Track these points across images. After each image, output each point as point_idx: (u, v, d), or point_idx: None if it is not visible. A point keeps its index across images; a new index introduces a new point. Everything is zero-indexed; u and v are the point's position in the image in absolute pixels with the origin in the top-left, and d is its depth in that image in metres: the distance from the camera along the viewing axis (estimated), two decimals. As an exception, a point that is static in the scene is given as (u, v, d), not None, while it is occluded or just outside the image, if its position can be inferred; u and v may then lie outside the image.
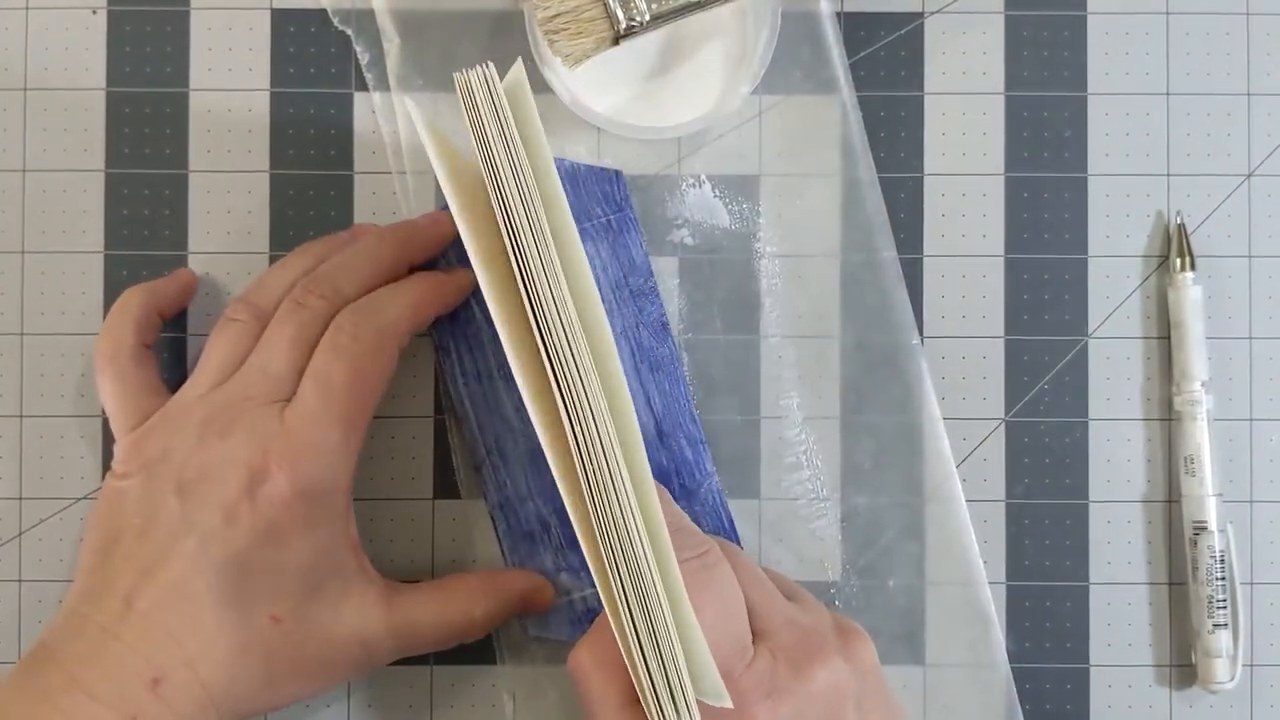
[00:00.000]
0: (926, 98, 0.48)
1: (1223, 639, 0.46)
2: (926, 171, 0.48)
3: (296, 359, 0.42)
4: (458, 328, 0.47)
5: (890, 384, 0.47)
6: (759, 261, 0.48)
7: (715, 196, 0.48)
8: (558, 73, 0.45)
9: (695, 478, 0.47)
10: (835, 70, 0.48)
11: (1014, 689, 0.47)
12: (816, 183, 0.48)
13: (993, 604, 0.47)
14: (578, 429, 0.35)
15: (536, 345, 0.36)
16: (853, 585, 0.47)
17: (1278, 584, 0.48)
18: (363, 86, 0.48)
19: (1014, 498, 0.48)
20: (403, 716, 0.47)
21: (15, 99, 0.47)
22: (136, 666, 0.39)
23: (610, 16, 0.43)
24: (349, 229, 0.47)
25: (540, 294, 0.36)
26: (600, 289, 0.45)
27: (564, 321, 0.36)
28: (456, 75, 0.37)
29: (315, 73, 0.48)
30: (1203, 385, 0.47)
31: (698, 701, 0.35)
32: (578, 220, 0.43)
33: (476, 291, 0.46)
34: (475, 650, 0.47)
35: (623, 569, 0.35)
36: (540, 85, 0.46)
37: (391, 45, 0.47)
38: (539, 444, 0.46)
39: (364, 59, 0.47)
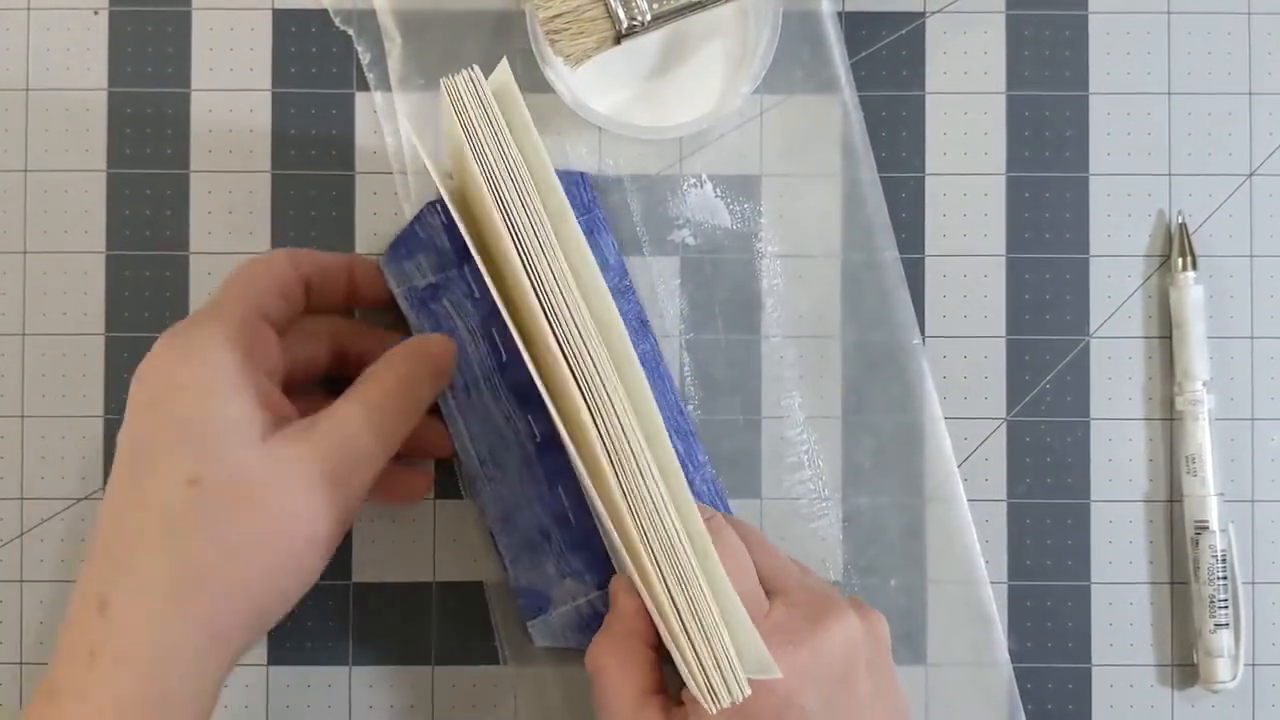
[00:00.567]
0: (928, 97, 0.48)
1: (1224, 638, 0.46)
2: (928, 171, 0.48)
3: None
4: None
5: (891, 383, 0.47)
6: (760, 261, 0.48)
7: (717, 197, 0.48)
8: (559, 73, 0.45)
9: (688, 469, 0.46)
10: (836, 70, 0.48)
11: (1016, 688, 0.47)
12: (817, 182, 0.48)
13: (994, 603, 0.47)
14: (598, 418, 0.35)
15: (547, 340, 0.36)
16: (854, 585, 0.47)
17: (1279, 583, 0.48)
18: (364, 87, 0.48)
19: (1015, 497, 0.48)
20: (403, 716, 0.47)
21: (17, 99, 0.47)
22: (83, 599, 0.37)
23: (612, 16, 0.43)
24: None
25: (547, 287, 0.36)
26: None
27: (571, 310, 0.36)
28: (444, 81, 0.37)
29: (316, 73, 0.48)
30: (1204, 385, 0.47)
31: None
32: None
33: (456, 305, 0.46)
34: (476, 651, 0.47)
35: (658, 551, 0.35)
36: (541, 85, 0.46)
37: (393, 46, 0.47)
38: (534, 452, 0.46)
39: (365, 59, 0.47)
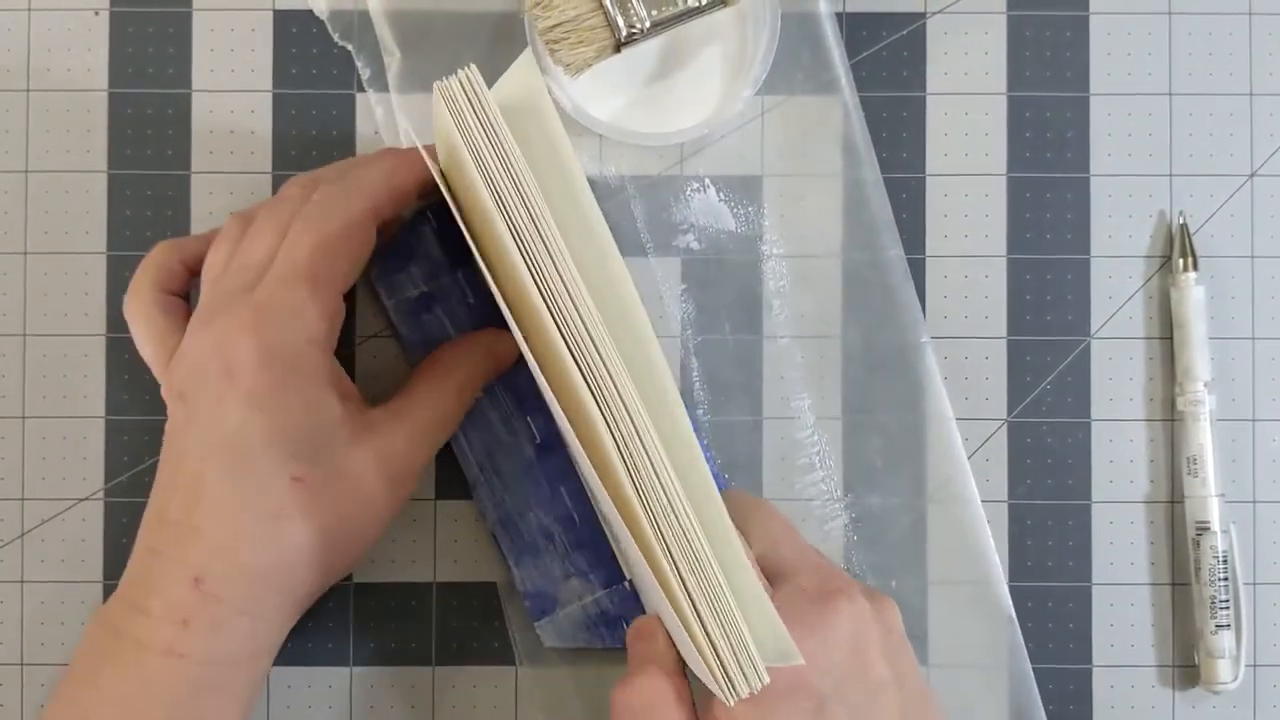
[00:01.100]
0: (928, 98, 0.48)
1: (1225, 639, 0.46)
2: (928, 172, 0.48)
3: (272, 244, 0.42)
4: (432, 349, 0.46)
5: (899, 382, 0.47)
6: (765, 264, 0.48)
7: (720, 201, 0.48)
8: (559, 82, 0.45)
9: None
10: (836, 71, 0.47)
11: (1035, 688, 0.47)
12: (819, 183, 0.48)
13: (1011, 603, 0.47)
14: (607, 415, 0.35)
15: (554, 342, 0.36)
16: (867, 586, 0.47)
17: (1280, 584, 0.48)
18: (364, 88, 0.48)
19: (1016, 498, 0.48)
20: (404, 716, 0.47)
21: (18, 99, 0.47)
22: (177, 572, 0.40)
23: (611, 25, 0.43)
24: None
25: (550, 284, 0.35)
26: None
27: (581, 311, 0.35)
28: (437, 84, 0.36)
29: (317, 74, 0.48)
30: (1205, 385, 0.47)
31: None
32: None
33: (450, 308, 0.46)
34: (476, 651, 0.47)
35: (673, 545, 0.35)
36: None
37: (392, 59, 0.47)
38: (534, 455, 0.46)
39: (365, 74, 0.47)
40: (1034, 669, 0.47)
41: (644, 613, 0.45)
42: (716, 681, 0.35)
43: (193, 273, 0.45)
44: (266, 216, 0.42)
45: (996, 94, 0.48)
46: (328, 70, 0.48)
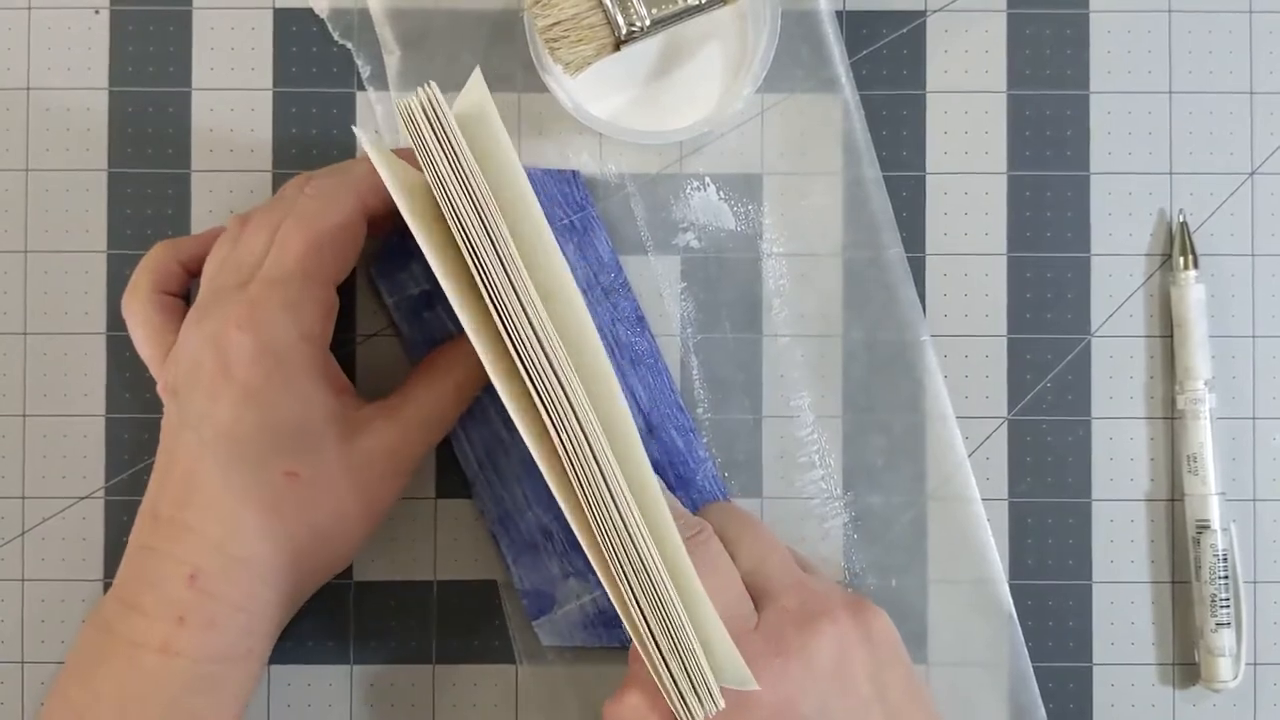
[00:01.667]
0: (928, 96, 0.48)
1: (1225, 637, 0.46)
2: (928, 170, 0.48)
3: (266, 242, 0.42)
4: (433, 347, 0.46)
5: (899, 380, 0.47)
6: (765, 262, 0.48)
7: (720, 199, 0.48)
8: (559, 80, 0.45)
9: (690, 465, 0.47)
10: (836, 69, 0.47)
11: (1035, 685, 0.47)
12: (819, 181, 0.48)
13: (1011, 601, 0.47)
14: (563, 435, 0.35)
15: (513, 359, 0.36)
16: (869, 585, 0.47)
17: (1280, 583, 0.48)
18: (364, 87, 0.48)
19: (1016, 497, 0.48)
20: (403, 716, 0.47)
21: (18, 99, 0.47)
22: (171, 569, 0.40)
23: (610, 23, 0.43)
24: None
25: (510, 308, 0.36)
26: None
27: (538, 332, 0.35)
28: (397, 102, 0.37)
29: (317, 73, 0.48)
30: (1205, 384, 0.47)
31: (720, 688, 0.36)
32: None
33: (450, 307, 0.46)
34: (476, 650, 0.47)
35: (629, 570, 0.35)
36: (541, 90, 0.46)
37: (392, 58, 0.47)
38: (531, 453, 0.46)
39: (365, 72, 0.47)
40: (1034, 667, 0.47)
41: None
42: (676, 707, 0.36)
43: (191, 273, 0.45)
44: (261, 215, 0.43)
45: (997, 92, 0.48)
46: (328, 69, 0.48)
